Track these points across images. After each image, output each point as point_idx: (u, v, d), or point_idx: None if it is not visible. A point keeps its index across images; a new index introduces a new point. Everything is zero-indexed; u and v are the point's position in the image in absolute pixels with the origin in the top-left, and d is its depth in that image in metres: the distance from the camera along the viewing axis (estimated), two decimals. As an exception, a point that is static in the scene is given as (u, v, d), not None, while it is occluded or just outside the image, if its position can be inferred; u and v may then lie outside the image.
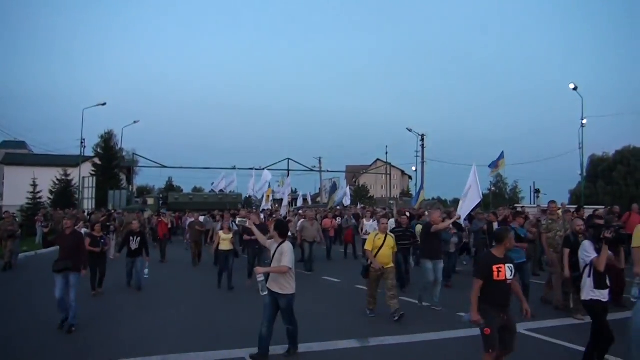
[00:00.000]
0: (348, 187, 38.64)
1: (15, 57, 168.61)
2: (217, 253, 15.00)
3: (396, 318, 9.63)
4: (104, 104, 44.43)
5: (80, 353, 7.90)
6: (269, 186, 28.37)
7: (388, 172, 68.25)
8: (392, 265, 10.38)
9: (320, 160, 69.58)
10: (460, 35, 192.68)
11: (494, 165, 19.97)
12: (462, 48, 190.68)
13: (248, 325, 8.99)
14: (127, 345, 8.32)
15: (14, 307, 11.44)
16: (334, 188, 35.78)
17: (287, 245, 7.53)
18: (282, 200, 28.13)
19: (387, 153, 73.13)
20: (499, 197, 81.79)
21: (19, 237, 19.04)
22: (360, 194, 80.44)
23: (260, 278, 7.34)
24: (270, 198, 27.42)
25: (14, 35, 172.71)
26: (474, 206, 13.67)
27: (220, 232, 14.42)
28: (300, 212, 27.74)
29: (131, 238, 14.01)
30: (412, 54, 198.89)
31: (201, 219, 22.19)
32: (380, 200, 76.07)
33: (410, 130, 53.41)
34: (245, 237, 14.85)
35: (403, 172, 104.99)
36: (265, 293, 7.33)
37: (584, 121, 40.47)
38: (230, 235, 14.26)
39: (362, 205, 44.69)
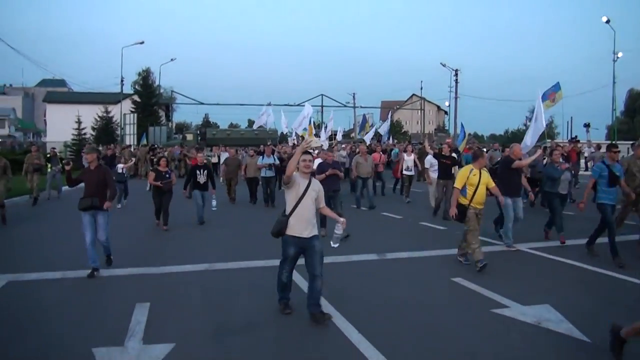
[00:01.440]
0: (387, 121, 37.85)
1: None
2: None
3: (478, 268, 8.36)
4: (142, 43, 45.41)
5: (135, 260, 9.24)
6: (311, 121, 27.89)
7: (422, 108, 68.30)
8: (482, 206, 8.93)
9: (354, 96, 69.82)
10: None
11: (547, 97, 17.90)
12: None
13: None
14: (178, 257, 9.66)
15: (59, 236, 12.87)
16: (364, 121, 36.22)
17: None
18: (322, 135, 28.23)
19: (421, 88, 73.61)
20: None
21: (59, 171, 19.18)
22: (394, 130, 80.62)
23: (340, 230, 6.56)
24: (313, 132, 26.61)
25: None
26: (538, 135, 13.14)
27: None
28: (343, 146, 27.76)
29: (198, 172, 13.68)
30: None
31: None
32: (414, 135, 76.25)
33: (444, 65, 53.12)
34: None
35: (439, 108, 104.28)
36: (337, 245, 6.67)
37: (619, 54, 40.38)
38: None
39: (396, 141, 45.28)
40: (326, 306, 6.55)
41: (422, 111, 68.22)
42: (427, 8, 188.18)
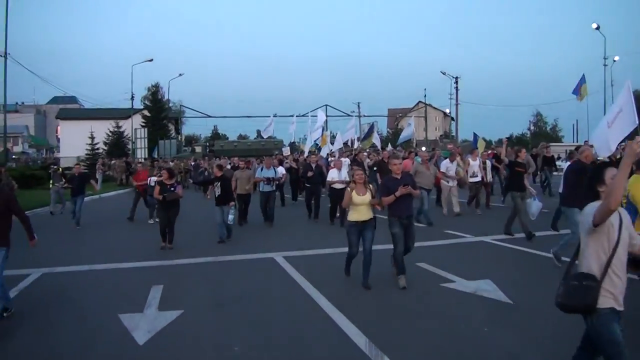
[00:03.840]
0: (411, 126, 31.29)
1: (64, 15, 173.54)
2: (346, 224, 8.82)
3: None
4: (151, 60, 47.31)
5: (150, 255, 10.77)
6: (324, 130, 27.20)
7: (425, 115, 69.69)
8: None
9: (359, 105, 71.41)
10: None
11: (577, 91, 18.16)
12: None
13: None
14: (187, 252, 11.15)
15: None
16: (371, 130, 36.42)
17: None
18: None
19: (425, 96, 75.02)
20: (539, 135, 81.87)
21: (62, 187, 18.42)
22: (398, 136, 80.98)
23: None
24: (328, 141, 25.52)
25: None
26: (627, 133, 10.42)
27: (353, 194, 8.18)
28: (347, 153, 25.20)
29: (212, 185, 12.97)
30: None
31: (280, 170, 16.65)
32: (420, 142, 77.46)
33: (444, 74, 54.55)
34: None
35: (445, 114, 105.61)
36: None
37: (616, 58, 42.17)
38: (368, 196, 8.22)
39: (399, 148, 45.50)
40: (308, 287, 8.10)
41: (425, 118, 69.48)
42: (427, 14, 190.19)
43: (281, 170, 16.79)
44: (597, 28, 39.29)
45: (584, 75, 17.84)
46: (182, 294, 7.89)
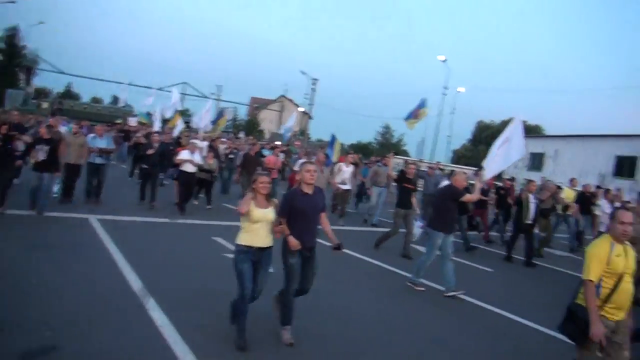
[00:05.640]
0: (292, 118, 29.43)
1: None
2: None
3: None
4: (14, 2, 45.00)
5: None
6: (177, 109, 26.49)
7: (282, 110, 72.02)
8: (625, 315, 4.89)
9: (219, 88, 71.91)
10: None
11: (413, 115, 18.07)
12: None
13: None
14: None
15: None
16: (220, 115, 36.40)
17: None
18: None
19: (286, 90, 77.55)
20: (384, 146, 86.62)
21: None
22: (250, 127, 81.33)
23: None
24: (179, 122, 24.15)
25: None
26: (510, 163, 10.79)
27: (252, 206, 5.71)
28: (224, 140, 23.08)
29: (37, 147, 11.17)
30: None
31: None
32: (274, 135, 79.41)
33: (304, 73, 57.16)
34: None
35: (305, 112, 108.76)
36: None
37: (461, 89, 48.21)
38: (271, 213, 5.84)
39: (251, 137, 44.94)
40: (109, 243, 9.57)
41: (281, 113, 71.83)
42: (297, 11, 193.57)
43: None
44: (444, 61, 43.55)
45: (424, 99, 18.37)
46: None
